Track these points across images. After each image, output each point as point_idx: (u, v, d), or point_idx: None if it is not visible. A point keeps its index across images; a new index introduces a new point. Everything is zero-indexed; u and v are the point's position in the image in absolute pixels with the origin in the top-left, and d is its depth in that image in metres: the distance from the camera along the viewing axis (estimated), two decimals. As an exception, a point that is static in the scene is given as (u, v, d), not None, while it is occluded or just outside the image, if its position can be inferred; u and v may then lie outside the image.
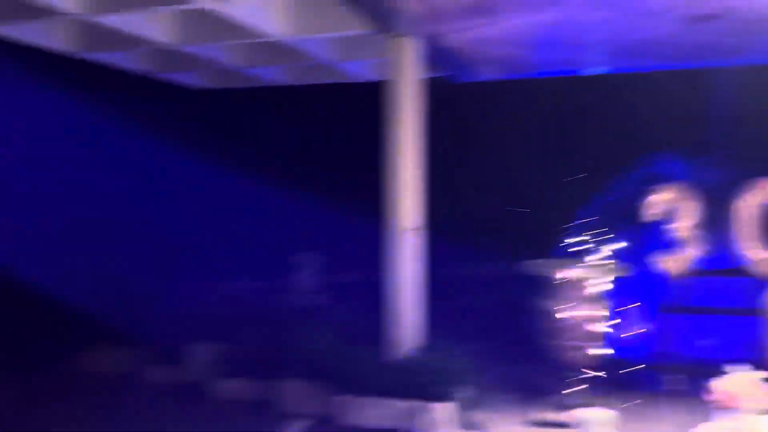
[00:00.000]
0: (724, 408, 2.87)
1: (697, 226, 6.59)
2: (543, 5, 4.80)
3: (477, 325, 8.90)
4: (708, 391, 2.93)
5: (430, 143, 5.88)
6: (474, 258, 12.60)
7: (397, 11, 4.82)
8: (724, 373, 2.95)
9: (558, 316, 5.56)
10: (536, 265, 5.86)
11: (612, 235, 7.99)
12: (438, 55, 6.21)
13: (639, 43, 6.16)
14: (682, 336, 7.12)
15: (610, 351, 5.77)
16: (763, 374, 2.84)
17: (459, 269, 12.17)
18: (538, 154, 12.96)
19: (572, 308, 5.52)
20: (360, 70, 7.48)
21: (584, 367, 5.66)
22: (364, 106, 8.45)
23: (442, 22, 5.08)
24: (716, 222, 7.51)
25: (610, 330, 6.00)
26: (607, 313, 5.78)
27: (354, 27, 5.58)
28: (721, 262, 7.79)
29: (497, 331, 8.43)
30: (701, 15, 5.11)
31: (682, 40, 5.94)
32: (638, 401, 5.95)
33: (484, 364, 5.85)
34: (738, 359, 6.40)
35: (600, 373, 5.21)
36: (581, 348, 5.56)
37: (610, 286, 5.78)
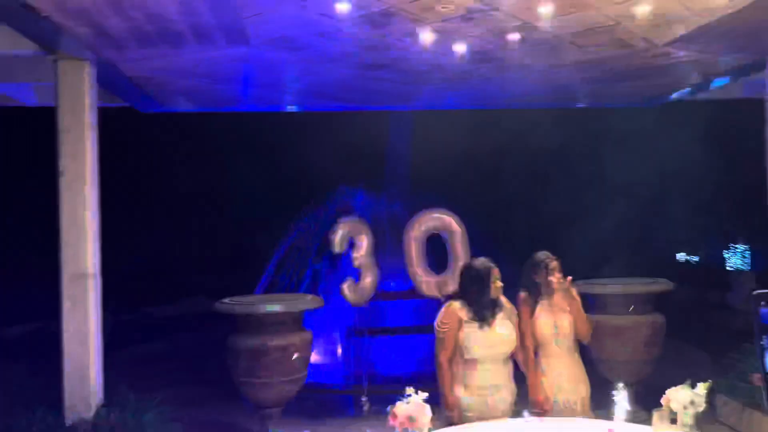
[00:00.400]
0: (402, 430, 3.03)
1: (373, 254, 7.04)
2: (223, 42, 4.73)
3: (172, 369, 8.46)
4: (390, 414, 3.07)
5: (111, 178, 5.39)
6: (166, 299, 12.02)
7: (64, 32, 4.31)
8: (406, 396, 3.12)
9: (257, 350, 5.47)
10: (235, 302, 5.73)
11: (307, 266, 8.32)
12: (120, 83, 5.75)
13: (323, 86, 6.50)
14: (374, 357, 7.62)
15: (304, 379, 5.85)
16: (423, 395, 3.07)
17: (150, 311, 11.49)
18: (233, 188, 12.98)
19: (274, 341, 5.49)
20: (26, 93, 6.56)
21: (283, 400, 5.67)
22: (36, 135, 7.50)
23: (118, 48, 4.69)
24: (392, 249, 8.24)
25: (309, 359, 6.14)
26: (305, 342, 5.87)
27: (19, 46, 4.86)
28: (400, 285, 8.55)
29: (195, 373, 8.11)
30: (371, 64, 5.55)
31: (360, 85, 6.42)
32: (342, 426, 6.22)
33: (179, 411, 5.51)
34: (424, 373, 7.06)
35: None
36: (280, 380, 5.55)
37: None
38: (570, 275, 4.12)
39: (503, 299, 3.98)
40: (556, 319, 4.03)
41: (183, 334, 10.49)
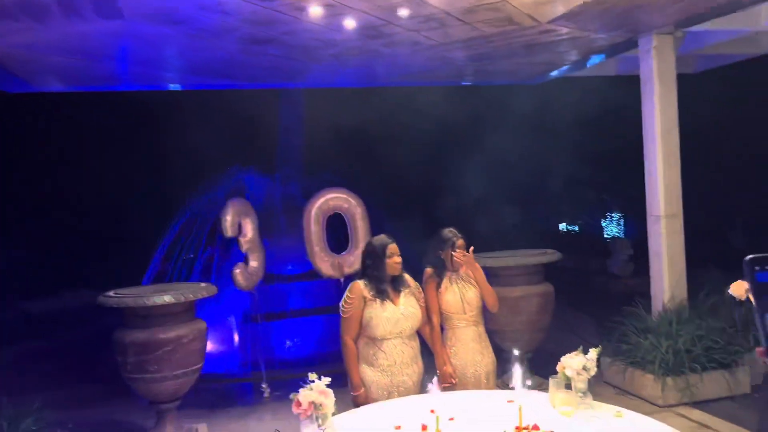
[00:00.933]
0: (307, 417, 2.95)
1: (259, 237, 6.88)
2: (93, 15, 4.36)
3: (55, 369, 7.93)
4: (294, 402, 2.98)
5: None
6: (45, 292, 11.22)
7: None
8: (308, 382, 3.03)
9: (148, 344, 5.18)
10: (121, 294, 5.38)
11: (196, 254, 7.99)
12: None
13: (207, 62, 6.20)
14: (273, 342, 7.48)
15: (199, 370, 5.63)
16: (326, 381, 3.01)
17: (27, 306, 10.68)
18: (114, 172, 12.23)
19: (165, 333, 5.21)
20: None
21: (179, 393, 5.43)
22: None
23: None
24: (288, 231, 8.10)
25: (204, 349, 5.90)
26: (199, 333, 5.62)
27: None
28: (298, 267, 8.46)
29: (81, 372, 7.63)
30: (258, 39, 5.34)
31: (247, 61, 6.17)
32: (242, 415, 6.05)
33: (65, 414, 5.15)
34: (332, 355, 6.99)
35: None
36: (174, 373, 5.30)
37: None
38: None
39: (407, 276, 3.98)
40: (463, 293, 4.10)
41: (65, 331, 9.83)
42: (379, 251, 3.84)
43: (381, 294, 3.81)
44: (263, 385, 6.62)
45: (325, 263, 6.83)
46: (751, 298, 3.20)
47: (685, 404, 5.49)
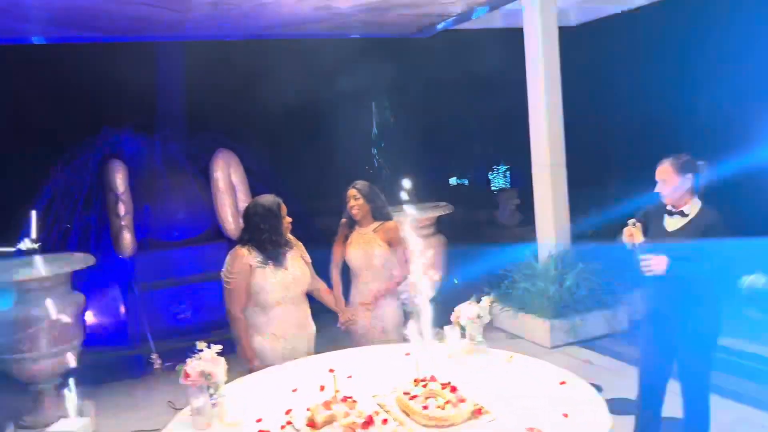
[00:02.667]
0: (197, 388, 2.79)
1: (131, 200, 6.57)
2: None
3: None
4: (182, 373, 2.80)
5: None
6: None
7: None
8: (197, 351, 2.86)
9: (20, 321, 4.76)
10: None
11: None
12: None
13: (73, 12, 5.63)
14: (161, 311, 7.14)
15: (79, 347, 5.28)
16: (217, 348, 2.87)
17: None
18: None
19: (39, 309, 4.80)
20: None
21: (59, 371, 5.06)
22: None
23: None
24: (172, 195, 7.71)
25: (84, 323, 5.53)
26: (77, 306, 5.24)
27: None
28: (185, 233, 8.08)
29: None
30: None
31: (118, 11, 5.67)
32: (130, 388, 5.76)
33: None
34: (221, 321, 6.77)
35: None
36: (52, 351, 4.92)
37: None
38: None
39: (291, 237, 3.83)
40: (366, 249, 4.05)
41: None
42: (276, 212, 3.65)
43: (272, 260, 3.62)
44: (153, 356, 6.32)
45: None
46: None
47: (572, 344, 5.79)
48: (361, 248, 4.11)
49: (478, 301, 3.45)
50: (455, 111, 11.84)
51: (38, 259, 5.31)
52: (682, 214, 3.38)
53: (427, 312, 4.77)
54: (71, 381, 4.18)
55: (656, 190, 3.42)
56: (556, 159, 6.11)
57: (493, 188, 16.68)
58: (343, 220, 4.21)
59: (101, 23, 6.10)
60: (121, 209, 6.28)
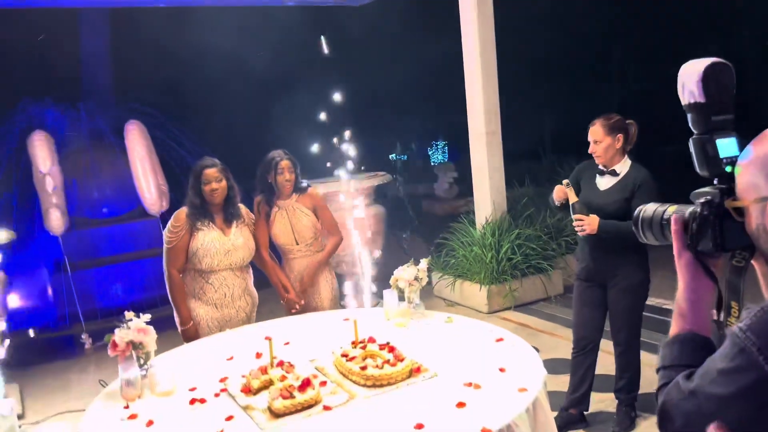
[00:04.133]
0: (125, 359, 2.68)
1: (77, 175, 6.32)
2: None
3: None
4: (110, 344, 2.69)
5: None
6: None
7: None
8: (125, 321, 2.75)
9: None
10: None
11: None
12: None
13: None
14: (90, 291, 6.88)
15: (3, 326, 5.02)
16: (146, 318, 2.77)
17: None
18: None
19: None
20: None
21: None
22: None
23: None
24: (100, 170, 7.42)
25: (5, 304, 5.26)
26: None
27: None
28: (114, 210, 7.82)
29: None
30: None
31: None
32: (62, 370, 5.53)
33: None
34: (153, 299, 6.61)
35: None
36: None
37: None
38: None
39: (242, 207, 3.72)
40: (293, 222, 3.89)
41: None
42: (194, 177, 3.53)
43: (214, 224, 3.53)
44: (83, 336, 6.10)
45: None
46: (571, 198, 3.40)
47: (509, 309, 5.89)
48: (288, 222, 3.87)
49: (417, 263, 3.44)
50: (394, 85, 11.79)
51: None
52: (614, 173, 3.44)
53: (366, 280, 4.74)
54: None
55: (589, 150, 3.47)
56: (491, 127, 6.15)
57: (432, 163, 16.80)
58: (258, 197, 3.90)
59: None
60: (50, 184, 5.97)
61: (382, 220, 6.26)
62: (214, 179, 3.52)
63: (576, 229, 3.40)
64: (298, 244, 3.90)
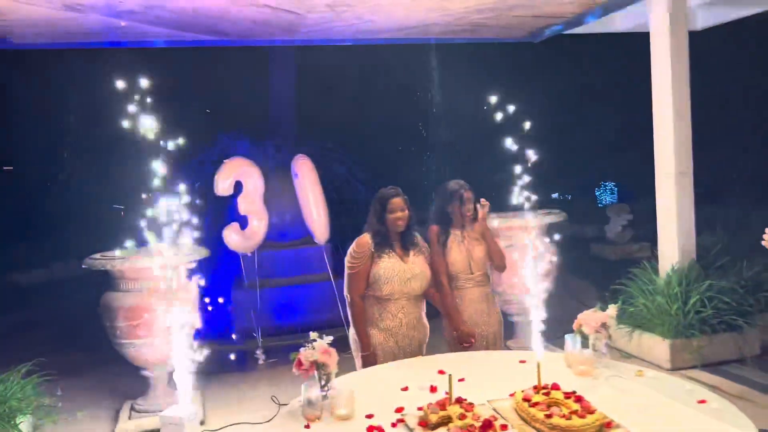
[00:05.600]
0: (308, 378, 2.74)
1: (262, 201, 6.75)
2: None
3: (47, 336, 7.73)
4: (295, 361, 2.76)
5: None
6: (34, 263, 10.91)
7: None
8: (310, 342, 2.81)
9: (136, 308, 4.94)
10: (106, 259, 5.13)
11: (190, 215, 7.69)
12: None
13: (198, 16, 5.84)
14: (268, 309, 7.26)
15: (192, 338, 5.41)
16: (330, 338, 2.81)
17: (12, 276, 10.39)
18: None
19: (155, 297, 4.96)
20: None
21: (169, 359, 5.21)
22: None
23: None
24: (281, 197, 7.87)
25: (196, 314, 5.68)
26: (190, 297, 5.39)
27: None
28: (291, 235, 8.22)
29: (74, 339, 7.42)
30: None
31: (234, 14, 5.83)
32: (238, 381, 5.86)
33: (51, 381, 4.93)
34: (320, 322, 6.84)
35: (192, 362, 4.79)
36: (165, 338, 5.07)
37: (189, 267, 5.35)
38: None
39: (417, 237, 3.75)
40: (470, 251, 3.85)
41: (54, 301, 9.56)
42: (380, 205, 3.60)
43: (395, 251, 3.58)
44: (258, 352, 6.44)
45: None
46: None
47: (695, 367, 5.33)
48: (465, 250, 3.84)
49: (603, 309, 3.21)
50: (558, 126, 11.45)
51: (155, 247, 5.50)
52: None
53: (538, 320, 4.54)
54: (184, 369, 4.29)
55: None
56: (682, 167, 5.69)
57: (600, 204, 16.01)
58: (434, 227, 3.87)
59: (224, 26, 6.30)
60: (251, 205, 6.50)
61: (555, 261, 5.98)
62: (399, 208, 3.58)
63: None
64: (473, 273, 3.85)
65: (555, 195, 17.89)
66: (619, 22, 7.54)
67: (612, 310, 3.19)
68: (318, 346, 2.83)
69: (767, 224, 3.25)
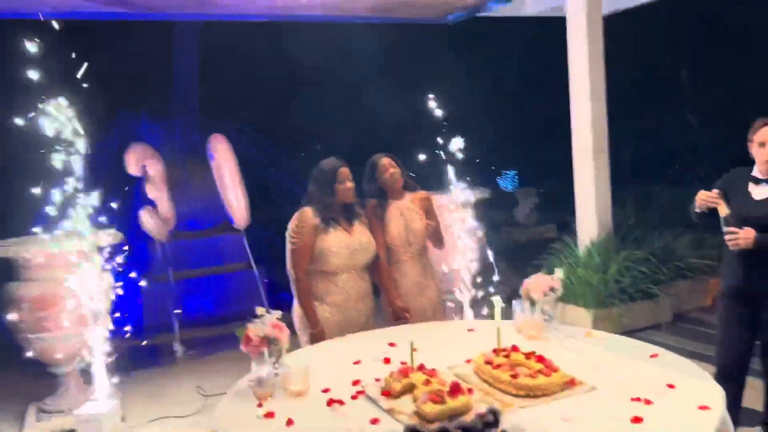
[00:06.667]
0: (258, 354, 2.56)
1: (170, 188, 6.39)
2: None
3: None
4: (243, 338, 2.58)
5: None
6: None
7: None
8: (257, 316, 2.64)
9: (45, 298, 4.51)
10: (11, 243, 4.66)
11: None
12: None
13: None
14: (185, 300, 6.90)
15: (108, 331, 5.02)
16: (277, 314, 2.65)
17: None
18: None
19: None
20: None
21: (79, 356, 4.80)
22: None
23: None
24: (193, 181, 7.50)
25: (106, 307, 5.28)
26: (101, 288, 4.99)
27: None
28: (207, 222, 7.88)
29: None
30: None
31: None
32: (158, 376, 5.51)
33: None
34: (241, 312, 6.57)
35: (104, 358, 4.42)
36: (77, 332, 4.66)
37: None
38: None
39: (359, 208, 3.62)
40: (408, 222, 3.76)
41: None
42: (329, 176, 3.45)
43: (338, 223, 3.44)
44: (176, 345, 6.11)
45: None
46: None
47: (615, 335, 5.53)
48: (403, 222, 3.73)
49: (549, 273, 3.22)
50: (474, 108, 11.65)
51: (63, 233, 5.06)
52: None
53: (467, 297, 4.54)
54: (100, 363, 3.96)
55: (758, 156, 3.11)
56: (599, 144, 5.89)
57: (507, 189, 16.47)
58: (372, 201, 3.75)
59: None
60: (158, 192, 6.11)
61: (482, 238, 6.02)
62: (348, 178, 3.45)
63: (729, 243, 3.06)
64: (410, 245, 3.76)
65: (467, 179, 18.21)
66: (530, 6, 7.71)
67: (559, 272, 3.21)
68: (267, 320, 2.66)
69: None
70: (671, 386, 2.33)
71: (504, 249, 9.64)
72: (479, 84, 11.16)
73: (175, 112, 8.56)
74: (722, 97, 10.85)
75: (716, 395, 2.23)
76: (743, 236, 3.00)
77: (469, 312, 3.89)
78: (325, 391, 2.53)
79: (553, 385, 2.35)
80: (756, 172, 3.16)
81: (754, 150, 3.14)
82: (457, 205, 5.45)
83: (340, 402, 2.42)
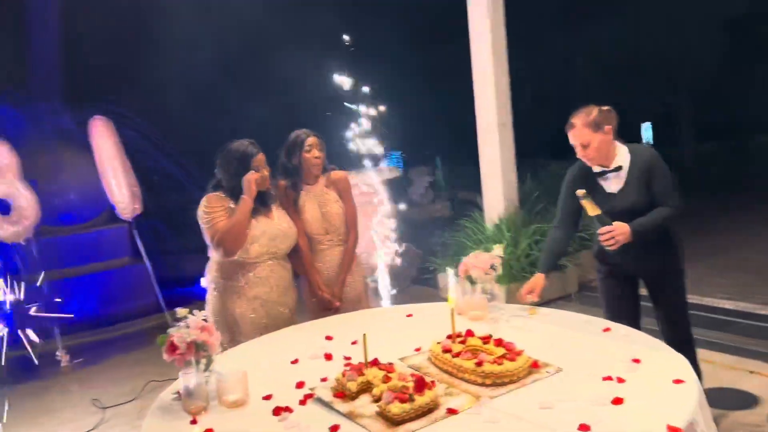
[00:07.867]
0: (184, 363, 2.21)
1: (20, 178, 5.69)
2: None
3: None
4: (166, 347, 2.22)
5: None
6: None
7: None
8: (179, 319, 2.28)
9: None
10: None
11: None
12: None
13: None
14: (64, 303, 6.20)
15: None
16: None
17: None
18: None
19: None
20: None
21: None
22: None
23: None
24: (68, 169, 6.80)
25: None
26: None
27: None
28: (83, 215, 7.20)
29: None
30: None
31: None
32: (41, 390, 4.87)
33: None
34: (130, 311, 6.02)
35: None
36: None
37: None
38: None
39: (273, 191, 3.27)
40: (323, 209, 3.46)
41: None
42: (241, 162, 3.06)
43: (256, 208, 3.08)
44: (58, 353, 5.47)
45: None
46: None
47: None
48: (317, 209, 3.44)
49: (487, 250, 3.08)
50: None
51: None
52: (618, 169, 2.93)
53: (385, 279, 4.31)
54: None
55: (579, 156, 2.95)
56: (503, 119, 5.86)
57: (400, 168, 16.49)
58: (282, 182, 3.45)
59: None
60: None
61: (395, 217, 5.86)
62: (263, 165, 3.10)
63: (606, 244, 2.84)
64: (328, 233, 3.47)
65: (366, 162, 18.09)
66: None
67: (498, 249, 3.07)
68: (192, 323, 2.30)
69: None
70: (636, 360, 2.24)
71: (403, 228, 9.59)
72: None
73: (35, 95, 7.69)
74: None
75: (684, 367, 2.16)
76: (619, 232, 2.82)
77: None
78: (267, 398, 2.23)
79: (520, 370, 2.19)
80: (593, 168, 2.99)
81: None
82: (370, 184, 5.26)
83: (288, 410, 2.13)
